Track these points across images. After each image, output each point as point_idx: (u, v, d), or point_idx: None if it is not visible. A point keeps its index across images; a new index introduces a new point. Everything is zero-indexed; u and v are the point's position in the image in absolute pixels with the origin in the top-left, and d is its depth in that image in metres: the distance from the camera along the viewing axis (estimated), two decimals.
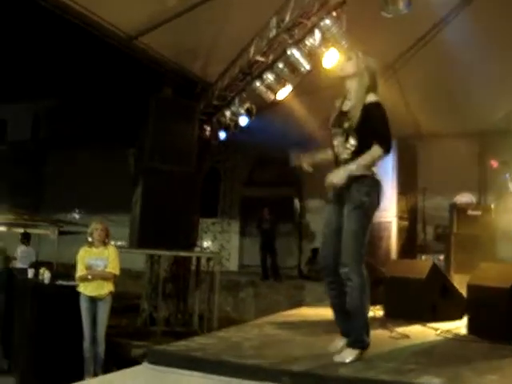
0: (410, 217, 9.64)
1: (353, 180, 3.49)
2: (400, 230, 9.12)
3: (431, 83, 9.59)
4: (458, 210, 8.49)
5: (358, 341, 3.48)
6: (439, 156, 10.28)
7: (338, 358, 3.43)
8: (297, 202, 13.23)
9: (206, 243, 14.10)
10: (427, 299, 5.42)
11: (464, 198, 9.01)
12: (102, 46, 8.23)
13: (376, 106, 3.56)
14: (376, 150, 3.46)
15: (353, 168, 3.47)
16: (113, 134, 12.20)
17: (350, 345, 3.49)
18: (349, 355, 3.43)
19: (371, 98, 3.59)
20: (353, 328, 3.52)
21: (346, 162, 3.55)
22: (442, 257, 9.32)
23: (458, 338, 4.53)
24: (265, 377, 3.18)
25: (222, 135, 9.29)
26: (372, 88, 3.64)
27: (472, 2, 7.75)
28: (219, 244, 14.40)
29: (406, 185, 9.72)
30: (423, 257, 9.48)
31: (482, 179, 10.92)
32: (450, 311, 5.46)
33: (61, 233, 11.34)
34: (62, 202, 15.04)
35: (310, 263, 12.12)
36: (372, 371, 3.17)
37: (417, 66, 9.37)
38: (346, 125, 3.57)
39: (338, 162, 3.64)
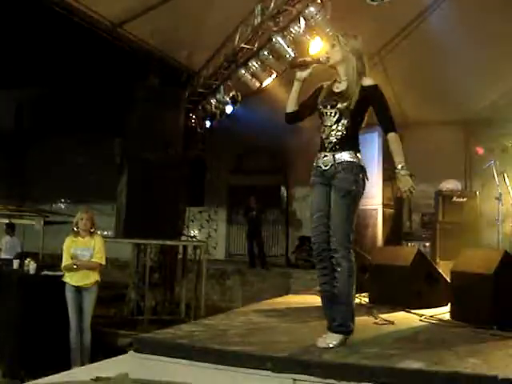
0: (396, 204, 9.67)
1: (340, 168, 3.53)
2: (386, 217, 9.15)
3: (417, 71, 9.62)
4: (444, 197, 8.54)
5: (343, 325, 3.50)
6: (425, 143, 10.33)
7: (321, 343, 3.45)
8: (283, 190, 13.26)
9: (193, 232, 14.10)
10: (412, 286, 5.44)
11: (449, 184, 9.04)
12: (87, 34, 8.15)
13: (377, 88, 3.62)
14: (396, 137, 3.55)
15: (404, 165, 3.55)
16: (98, 122, 12.12)
17: (334, 329, 3.50)
18: (332, 340, 3.45)
19: (368, 81, 3.63)
20: (338, 313, 3.52)
21: (334, 145, 3.58)
22: (428, 244, 9.40)
23: (441, 324, 4.57)
24: (249, 363, 3.20)
25: (208, 123, 9.28)
26: (361, 68, 3.66)
27: None
28: (206, 232, 14.42)
29: (392, 172, 9.71)
30: (410, 244, 9.54)
31: (467, 166, 11.00)
32: (436, 297, 5.49)
33: (46, 223, 11.25)
34: (48, 192, 14.97)
35: (297, 251, 12.14)
36: (354, 356, 3.19)
37: (402, 54, 9.40)
38: (341, 105, 3.57)
39: (323, 146, 3.65)
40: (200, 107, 9.12)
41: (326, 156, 3.61)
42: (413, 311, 5.12)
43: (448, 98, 9.82)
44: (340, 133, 3.57)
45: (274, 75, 7.15)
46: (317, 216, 3.67)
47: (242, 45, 7.12)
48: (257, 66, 7.03)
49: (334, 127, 3.59)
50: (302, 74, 3.73)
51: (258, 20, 6.60)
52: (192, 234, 13.60)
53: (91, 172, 13.77)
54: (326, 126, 3.64)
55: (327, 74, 3.83)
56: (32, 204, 14.03)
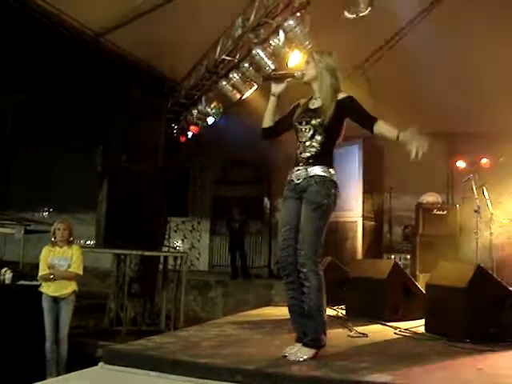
0: (377, 217, 9.71)
1: (313, 181, 3.57)
2: (366, 230, 9.18)
3: (399, 84, 9.68)
4: (424, 210, 8.61)
5: (315, 339, 3.50)
6: (407, 156, 10.34)
7: (292, 357, 3.44)
8: (267, 201, 13.26)
9: (176, 242, 14.06)
10: (389, 299, 5.45)
11: (430, 197, 9.11)
12: (70, 43, 8.13)
13: (351, 98, 3.66)
14: (381, 121, 3.57)
15: (401, 132, 3.54)
16: (81, 131, 12.05)
17: (307, 344, 3.50)
18: (304, 353, 3.44)
19: (342, 94, 3.68)
20: (310, 327, 3.52)
21: (307, 160, 3.60)
22: (409, 256, 9.45)
23: (415, 337, 4.58)
24: (219, 376, 3.18)
25: (190, 134, 9.27)
26: (336, 84, 3.71)
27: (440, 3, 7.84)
28: (189, 243, 14.36)
29: (373, 185, 9.77)
30: (391, 257, 9.58)
31: (449, 179, 11.08)
32: (412, 310, 5.48)
33: (27, 232, 11.15)
34: (30, 201, 14.85)
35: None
36: (323, 369, 3.19)
37: (385, 67, 9.46)
38: (315, 121, 3.62)
39: (297, 162, 3.67)
40: (182, 118, 9.11)
41: (298, 170, 3.64)
42: (388, 324, 5.12)
43: (430, 111, 9.90)
44: (314, 149, 3.61)
45: (254, 87, 7.18)
46: (285, 229, 3.67)
47: (224, 56, 7.15)
48: (237, 77, 7.06)
49: (308, 143, 3.63)
50: (276, 89, 3.77)
51: (238, 32, 6.63)
52: (175, 245, 13.58)
53: (74, 181, 13.68)
54: (300, 142, 3.67)
55: (305, 90, 3.85)
56: (14, 212, 13.90)
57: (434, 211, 8.55)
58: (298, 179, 3.62)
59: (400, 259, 9.45)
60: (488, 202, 7.80)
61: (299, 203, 3.63)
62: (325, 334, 3.55)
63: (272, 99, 3.82)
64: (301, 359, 3.40)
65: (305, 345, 3.50)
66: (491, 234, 7.70)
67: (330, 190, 3.59)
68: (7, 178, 15.36)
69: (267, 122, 3.86)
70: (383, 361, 3.53)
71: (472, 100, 9.56)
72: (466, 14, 7.45)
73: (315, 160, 3.60)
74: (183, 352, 3.63)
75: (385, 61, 9.50)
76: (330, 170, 3.63)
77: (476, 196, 7.82)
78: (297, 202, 3.64)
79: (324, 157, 3.63)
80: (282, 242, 3.66)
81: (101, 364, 3.61)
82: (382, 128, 3.57)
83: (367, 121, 3.60)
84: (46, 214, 15.87)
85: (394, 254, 9.58)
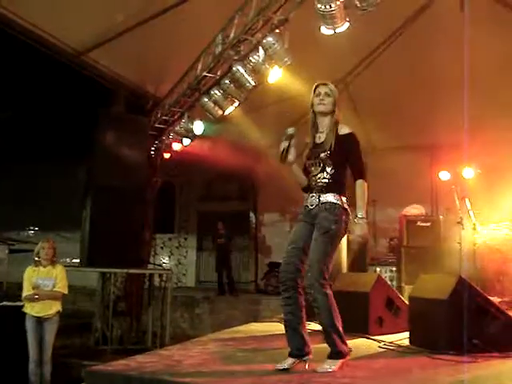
0: None
1: (323, 208, 3.75)
2: (350, 243, 9.17)
3: (382, 97, 9.77)
4: (408, 222, 8.64)
5: (338, 352, 3.67)
6: (392, 169, 10.41)
7: (320, 369, 3.58)
8: (252, 216, 13.26)
9: (163, 259, 14.00)
10: (373, 312, 5.45)
11: (414, 209, 9.17)
12: (52, 61, 8.14)
13: (352, 136, 3.86)
14: (362, 184, 3.76)
15: (363, 213, 3.74)
16: (64, 149, 12.05)
17: (331, 357, 3.67)
18: (331, 365, 3.61)
19: (344, 129, 3.86)
20: (330, 343, 3.68)
21: (322, 189, 3.78)
22: (394, 268, 9.45)
23: (399, 350, 4.57)
24: None
25: (176, 147, 9.25)
26: (338, 116, 3.90)
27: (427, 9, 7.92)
28: (176, 259, 14.32)
29: (355, 198, 9.78)
30: (377, 269, 9.58)
31: (433, 191, 11.14)
32: (397, 323, 5.49)
33: (12, 251, 11.05)
34: (15, 220, 14.72)
35: (266, 277, 12.09)
36: None
37: (367, 80, 9.55)
38: (323, 155, 3.81)
39: (312, 189, 3.86)
40: (165, 135, 9.12)
41: (312, 196, 3.84)
42: (373, 338, 5.12)
43: (413, 124, 9.98)
44: (326, 180, 3.80)
45: (236, 103, 7.21)
46: (291, 247, 3.83)
47: (205, 73, 7.17)
48: (219, 94, 7.09)
49: (319, 175, 3.83)
50: (290, 159, 3.82)
51: (219, 49, 6.66)
52: (161, 261, 13.52)
53: (59, 199, 13.60)
54: (313, 175, 3.88)
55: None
56: None
57: (418, 223, 8.59)
58: (312, 205, 3.82)
59: (386, 271, 9.46)
60: (471, 212, 7.84)
61: (311, 228, 3.80)
62: (346, 345, 3.73)
63: (293, 167, 3.91)
64: (329, 370, 3.57)
65: (330, 357, 3.67)
66: (474, 244, 7.74)
67: (339, 216, 3.74)
68: None
69: (302, 182, 3.97)
70: (365, 376, 3.53)
71: (455, 112, 9.66)
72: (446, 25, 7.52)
73: (328, 189, 3.78)
74: (165, 371, 3.60)
75: (367, 75, 9.60)
76: (342, 197, 3.79)
77: (458, 207, 7.87)
78: (308, 227, 3.82)
79: (336, 185, 3.80)
80: (286, 258, 3.82)
81: None
82: (358, 189, 3.77)
83: (355, 170, 3.81)
84: (31, 232, 15.76)
85: (379, 266, 9.58)
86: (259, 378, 3.39)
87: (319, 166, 3.83)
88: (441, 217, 8.93)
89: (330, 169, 3.78)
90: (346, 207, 3.79)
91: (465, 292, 4.43)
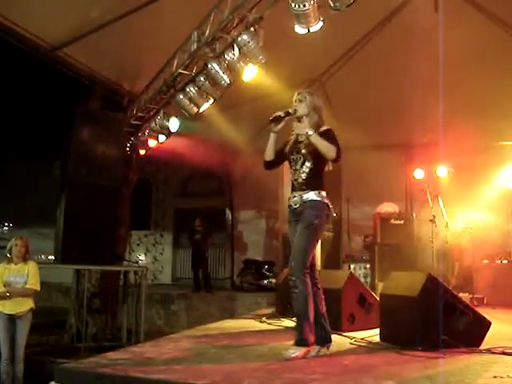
0: (335, 227, 9.79)
1: (306, 206, 4.11)
2: (324, 240, 9.24)
3: (357, 96, 9.85)
4: (381, 220, 8.74)
5: (303, 339, 4.01)
6: (366, 167, 10.49)
7: (285, 355, 3.91)
8: (228, 213, 13.27)
9: (139, 256, 13.94)
10: (345, 309, 5.52)
11: (387, 207, 9.28)
12: (26, 56, 8.05)
13: (328, 130, 4.22)
14: (332, 147, 4.07)
15: (313, 133, 4.09)
16: (38, 145, 11.93)
17: (297, 343, 4.01)
18: (295, 351, 3.94)
19: (324, 127, 4.24)
20: (299, 329, 4.06)
21: (301, 186, 4.17)
22: (368, 266, 9.56)
23: (369, 346, 4.64)
24: None
25: (152, 144, 9.23)
26: (321, 122, 4.28)
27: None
28: (152, 256, 14.26)
29: (330, 196, 9.85)
30: (352, 266, 9.68)
31: (408, 189, 11.26)
32: (369, 320, 5.58)
33: None
34: None
35: (241, 274, 12.11)
36: (275, 382, 3.21)
37: (343, 79, 9.64)
38: (304, 151, 4.18)
39: (294, 187, 4.25)
40: (141, 132, 9.08)
41: (295, 196, 4.21)
42: (345, 334, 5.18)
43: (388, 122, 10.08)
44: (305, 174, 4.17)
45: (211, 101, 7.21)
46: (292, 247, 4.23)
47: (180, 70, 7.16)
48: (194, 91, 7.09)
49: (299, 170, 4.20)
50: (276, 128, 4.25)
51: (194, 46, 6.66)
52: (137, 258, 13.46)
53: (35, 195, 13.49)
54: (294, 169, 4.27)
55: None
56: None
57: (392, 221, 8.72)
58: (296, 205, 4.19)
59: (360, 268, 9.56)
60: (443, 210, 7.97)
61: (298, 223, 4.17)
62: (312, 334, 4.06)
63: (272, 135, 4.31)
64: (293, 356, 3.90)
65: (296, 344, 4.01)
66: (446, 242, 7.87)
67: (322, 211, 4.14)
68: None
69: (269, 155, 4.36)
70: (334, 372, 3.58)
71: (429, 110, 9.78)
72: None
73: (308, 185, 4.16)
74: (136, 368, 3.61)
75: (342, 74, 9.67)
76: (322, 192, 4.19)
77: (431, 205, 7.99)
78: (296, 222, 4.19)
79: (315, 181, 4.18)
80: (291, 257, 4.16)
81: (52, 383, 3.57)
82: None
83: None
84: (5, 229, 15.59)
85: (354, 263, 9.68)
86: (230, 374, 3.41)
87: (300, 160, 4.20)
88: (414, 215, 9.05)
89: (309, 163, 4.15)
90: (327, 201, 4.19)
91: (434, 289, 4.51)
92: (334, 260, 8.94)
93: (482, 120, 8.69)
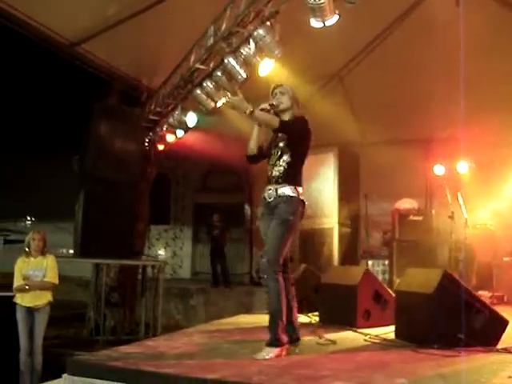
0: (353, 223, 9.75)
1: (281, 200, 3.97)
2: (342, 236, 9.22)
3: (376, 91, 9.75)
4: (400, 216, 8.66)
5: (276, 339, 3.84)
6: (385, 162, 10.38)
7: (257, 356, 3.75)
8: (247, 209, 13.26)
9: (159, 250, 14.01)
10: (360, 305, 5.48)
11: (405, 203, 9.18)
12: (46, 52, 8.13)
13: (300, 116, 4.18)
14: (276, 119, 4.00)
15: (254, 109, 3.91)
16: (58, 140, 12.04)
17: (270, 344, 3.84)
18: (268, 353, 3.77)
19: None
20: (272, 329, 3.88)
21: (277, 180, 4.03)
22: (387, 262, 9.49)
23: (384, 343, 4.60)
24: None
25: (170, 139, 9.25)
26: (298, 114, 4.21)
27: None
28: (172, 251, 14.33)
29: (348, 192, 9.82)
30: (370, 262, 9.62)
31: (428, 185, 11.12)
32: (384, 317, 5.52)
33: (7, 241, 11.12)
34: (11, 210, 14.75)
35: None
36: (285, 378, 3.19)
37: (362, 74, 9.54)
38: (281, 144, 4.10)
39: (269, 180, 4.11)
40: (159, 127, 9.12)
41: (270, 189, 4.08)
42: (359, 331, 5.15)
43: (408, 117, 9.96)
44: (282, 168, 4.04)
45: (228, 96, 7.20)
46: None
47: (197, 65, 7.17)
48: (211, 86, 7.09)
49: (276, 163, 4.08)
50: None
51: (211, 41, 6.67)
52: (157, 253, 13.53)
53: (55, 189, 13.61)
54: (271, 164, 4.14)
55: None
56: None
57: (410, 217, 8.64)
58: (270, 198, 4.06)
59: (378, 265, 9.50)
60: (463, 207, 7.85)
61: (271, 218, 4.03)
62: (285, 334, 3.90)
63: (256, 128, 4.23)
64: (266, 357, 3.72)
65: (269, 345, 3.84)
66: (466, 238, 7.76)
67: (296, 207, 4.00)
68: None
69: (252, 149, 4.25)
70: (346, 369, 3.55)
71: (449, 105, 9.64)
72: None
73: (284, 179, 4.01)
74: (147, 362, 3.62)
75: (361, 69, 9.58)
76: (298, 189, 4.04)
77: (450, 201, 7.88)
78: (270, 219, 4.05)
79: (292, 176, 4.04)
80: (263, 252, 4.06)
81: (64, 376, 3.61)
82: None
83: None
84: (28, 223, 15.80)
85: (372, 259, 9.62)
86: (240, 370, 3.41)
87: (277, 154, 4.09)
88: (433, 211, 8.95)
89: (286, 156, 4.03)
90: (302, 198, 4.05)
91: (450, 286, 4.45)
92: (351, 256, 8.90)
93: (504, 114, 8.54)
